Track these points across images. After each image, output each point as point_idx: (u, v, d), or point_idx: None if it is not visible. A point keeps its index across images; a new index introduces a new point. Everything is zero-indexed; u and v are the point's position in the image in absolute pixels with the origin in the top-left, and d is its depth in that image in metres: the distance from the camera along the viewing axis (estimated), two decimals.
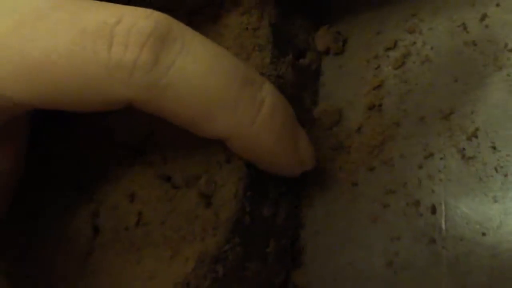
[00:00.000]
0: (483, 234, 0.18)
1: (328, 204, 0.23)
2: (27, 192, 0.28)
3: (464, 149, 0.20)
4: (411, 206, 0.21)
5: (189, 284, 0.22)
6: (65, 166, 0.28)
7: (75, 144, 0.28)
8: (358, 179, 0.23)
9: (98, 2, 0.18)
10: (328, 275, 0.22)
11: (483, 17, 0.23)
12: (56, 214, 0.27)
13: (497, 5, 0.22)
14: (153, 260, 0.24)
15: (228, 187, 0.24)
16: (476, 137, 0.20)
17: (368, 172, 0.23)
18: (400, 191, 0.22)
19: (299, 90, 0.27)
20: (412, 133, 0.23)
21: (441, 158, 0.21)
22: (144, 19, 0.17)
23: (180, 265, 0.23)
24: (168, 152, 0.26)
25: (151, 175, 0.26)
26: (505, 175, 0.19)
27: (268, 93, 0.19)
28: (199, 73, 0.18)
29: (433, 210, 0.20)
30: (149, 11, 0.17)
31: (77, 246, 0.27)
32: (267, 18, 0.26)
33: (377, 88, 0.25)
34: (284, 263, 0.25)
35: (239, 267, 0.23)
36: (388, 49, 0.26)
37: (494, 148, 0.19)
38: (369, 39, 0.27)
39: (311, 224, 0.24)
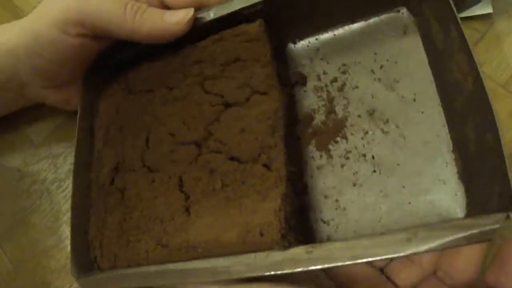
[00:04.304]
0: (395, 170, 0.36)
1: (315, 161, 0.36)
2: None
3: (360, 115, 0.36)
4: (357, 155, 0.35)
5: (281, 210, 0.29)
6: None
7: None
8: (327, 148, 0.37)
9: None
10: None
11: (382, 66, 0.36)
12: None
13: (387, 60, 0.36)
14: (250, 203, 0.30)
15: (279, 160, 0.31)
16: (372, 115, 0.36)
17: (333, 143, 0.37)
18: (352, 151, 0.36)
19: (292, 105, 0.38)
20: (353, 123, 0.36)
21: (366, 133, 0.36)
22: None
23: (271, 202, 0.29)
24: (228, 144, 0.33)
25: (222, 157, 0.33)
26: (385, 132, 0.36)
27: None
28: None
29: (364, 156, 0.35)
30: None
31: (174, 205, 0.33)
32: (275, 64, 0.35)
33: (330, 101, 0.38)
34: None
35: (293, 198, 0.31)
36: (332, 81, 0.38)
37: (371, 114, 0.35)
38: (320, 76, 0.39)
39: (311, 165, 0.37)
